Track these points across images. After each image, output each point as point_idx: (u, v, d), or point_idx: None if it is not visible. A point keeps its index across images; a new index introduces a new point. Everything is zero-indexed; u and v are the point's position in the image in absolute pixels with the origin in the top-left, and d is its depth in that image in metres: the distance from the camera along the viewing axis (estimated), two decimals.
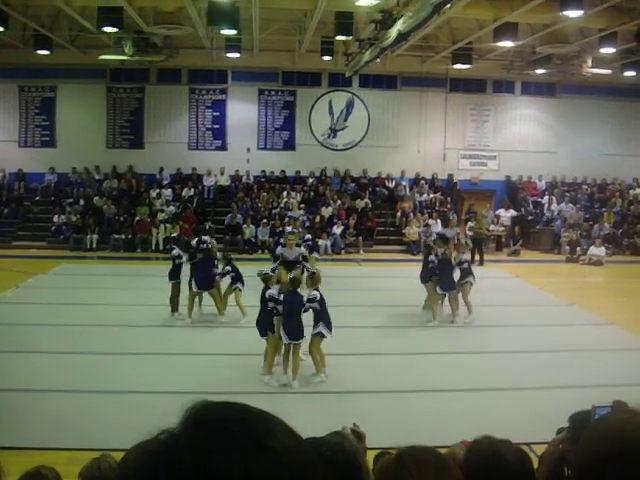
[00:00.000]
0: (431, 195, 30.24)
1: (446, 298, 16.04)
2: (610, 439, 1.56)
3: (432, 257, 15.93)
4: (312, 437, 2.92)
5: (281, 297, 11.40)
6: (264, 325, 11.57)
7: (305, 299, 11.35)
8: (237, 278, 15.34)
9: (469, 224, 27.80)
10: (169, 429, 1.30)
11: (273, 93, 30.67)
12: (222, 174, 29.73)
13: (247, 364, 12.16)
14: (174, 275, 15.60)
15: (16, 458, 7.12)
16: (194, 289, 15.22)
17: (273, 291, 11.52)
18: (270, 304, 11.41)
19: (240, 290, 15.27)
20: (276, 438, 1.24)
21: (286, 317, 11.23)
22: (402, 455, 2.02)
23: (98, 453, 4.40)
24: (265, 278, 11.99)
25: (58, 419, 9.38)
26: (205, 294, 15.54)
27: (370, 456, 4.88)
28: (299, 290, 11.74)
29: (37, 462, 5.06)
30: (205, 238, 16.47)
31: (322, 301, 11.40)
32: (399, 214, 29.07)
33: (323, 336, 11.33)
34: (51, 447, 8.33)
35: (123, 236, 26.57)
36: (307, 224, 24.70)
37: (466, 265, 16.08)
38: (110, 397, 10.36)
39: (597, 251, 26.24)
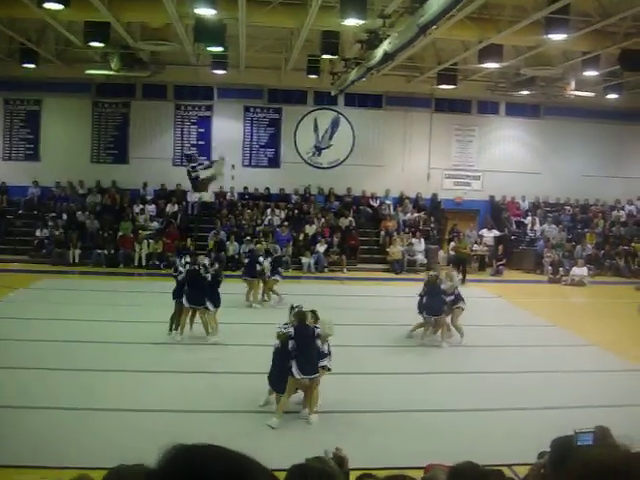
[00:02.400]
0: (415, 214, 30.32)
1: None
2: (591, 474, 1.56)
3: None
4: (297, 464, 2.91)
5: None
6: (279, 379, 10.65)
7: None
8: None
9: (452, 244, 27.90)
10: (148, 465, 1.29)
11: (259, 110, 30.72)
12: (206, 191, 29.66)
13: (234, 382, 12.11)
14: (178, 294, 15.33)
15: None
16: (185, 304, 15.05)
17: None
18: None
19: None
20: (253, 476, 1.24)
21: (299, 353, 10.40)
22: None
23: (76, 472, 4.36)
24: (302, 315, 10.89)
25: (36, 436, 9.28)
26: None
27: (352, 476, 4.87)
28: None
29: None
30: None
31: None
32: (383, 233, 29.12)
33: (329, 369, 10.89)
34: (28, 465, 8.25)
35: (106, 251, 26.43)
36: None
37: (458, 291, 16.15)
38: (91, 415, 10.25)
39: (579, 272, 26.40)
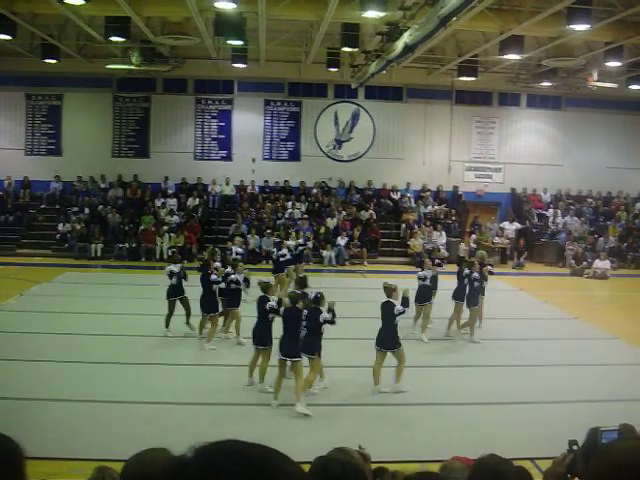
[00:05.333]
0: (436, 207, 30.22)
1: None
2: (617, 468, 1.54)
3: (469, 272, 15.70)
4: (320, 456, 2.91)
5: (281, 310, 11.05)
6: (265, 335, 11.40)
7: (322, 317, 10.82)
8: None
9: (473, 236, 27.78)
10: (172, 452, 1.32)
11: (279, 104, 30.72)
12: (227, 184, 29.78)
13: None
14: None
15: None
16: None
17: (272, 303, 11.28)
18: (270, 315, 11.27)
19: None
20: (287, 465, 1.25)
21: (285, 333, 10.87)
22: None
23: (96, 464, 4.37)
24: (265, 287, 11.75)
25: (60, 428, 9.36)
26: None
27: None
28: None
29: (39, 472, 5.04)
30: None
31: None
32: (404, 226, 29.06)
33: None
34: (53, 457, 8.30)
35: (127, 245, 26.57)
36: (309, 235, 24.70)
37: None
38: (112, 407, 10.34)
39: (602, 264, 26.20)
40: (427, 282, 15.71)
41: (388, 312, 11.68)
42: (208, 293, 14.46)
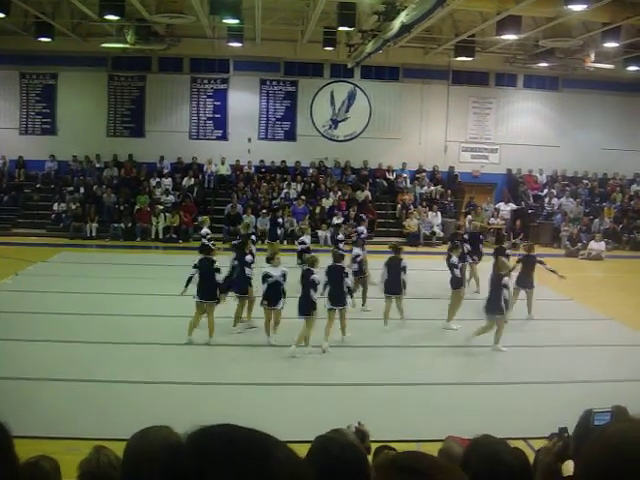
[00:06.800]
0: (432, 187, 30.19)
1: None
2: (611, 450, 1.54)
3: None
4: (320, 435, 2.93)
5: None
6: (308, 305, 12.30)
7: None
8: None
9: (469, 217, 27.77)
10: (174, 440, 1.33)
11: (275, 83, 30.59)
12: (223, 164, 29.69)
13: (250, 355, 12.16)
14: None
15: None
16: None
17: (316, 276, 12.43)
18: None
19: None
20: (280, 449, 1.26)
21: (330, 285, 12.74)
22: (397, 461, 1.96)
23: (92, 443, 4.38)
24: (312, 260, 12.79)
25: (55, 408, 9.38)
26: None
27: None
28: None
29: (34, 451, 5.05)
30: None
31: None
32: (399, 206, 29.04)
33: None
34: (48, 436, 8.33)
35: (123, 225, 26.54)
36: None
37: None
38: (107, 387, 10.36)
39: (597, 246, 26.23)
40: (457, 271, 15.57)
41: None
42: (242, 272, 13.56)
